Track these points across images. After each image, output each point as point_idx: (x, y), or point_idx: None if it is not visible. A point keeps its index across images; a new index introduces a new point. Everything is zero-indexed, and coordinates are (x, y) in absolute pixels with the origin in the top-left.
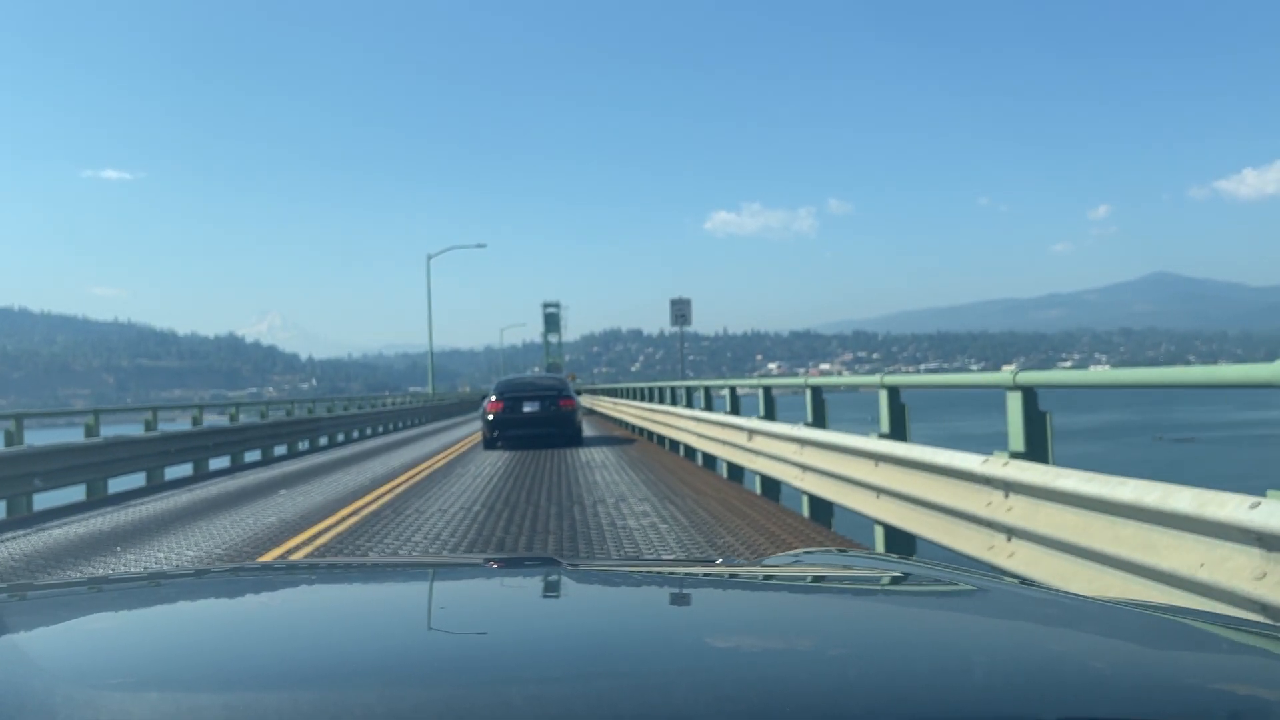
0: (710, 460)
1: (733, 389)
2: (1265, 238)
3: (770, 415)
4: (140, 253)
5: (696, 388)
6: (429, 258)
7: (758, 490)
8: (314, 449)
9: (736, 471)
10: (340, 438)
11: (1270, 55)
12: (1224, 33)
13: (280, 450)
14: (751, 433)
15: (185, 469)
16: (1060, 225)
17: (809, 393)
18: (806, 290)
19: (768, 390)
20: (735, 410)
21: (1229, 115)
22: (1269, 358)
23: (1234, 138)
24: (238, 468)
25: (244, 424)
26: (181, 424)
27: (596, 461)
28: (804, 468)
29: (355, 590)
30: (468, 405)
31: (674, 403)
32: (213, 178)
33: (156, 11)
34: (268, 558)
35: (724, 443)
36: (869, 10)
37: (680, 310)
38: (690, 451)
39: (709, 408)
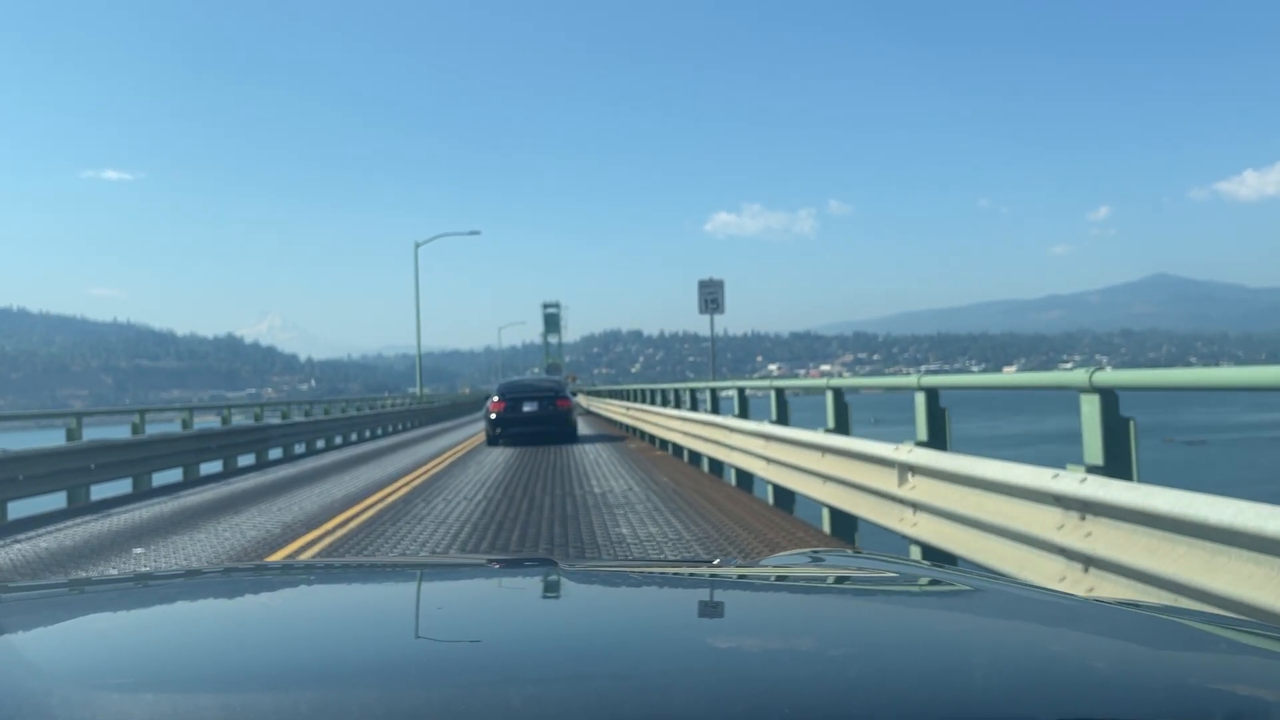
0: (784, 495)
1: (837, 393)
2: (1266, 239)
3: (940, 441)
4: (140, 253)
5: (759, 390)
6: (417, 245)
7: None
8: (259, 465)
9: (845, 523)
10: (299, 449)
11: (1271, 56)
12: (1225, 33)
13: (212, 468)
14: (906, 470)
15: (59, 499)
16: (1060, 226)
17: (1097, 400)
18: (807, 291)
19: (932, 396)
20: (843, 428)
21: (1230, 116)
22: (1271, 359)
23: (1235, 139)
24: (142, 495)
25: (151, 436)
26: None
27: (616, 496)
28: (1088, 561)
29: (353, 590)
30: (462, 407)
31: (714, 410)
32: (214, 178)
33: (158, 11)
34: None
35: (836, 481)
36: (869, 10)
37: (711, 294)
38: (741, 475)
39: (782, 420)
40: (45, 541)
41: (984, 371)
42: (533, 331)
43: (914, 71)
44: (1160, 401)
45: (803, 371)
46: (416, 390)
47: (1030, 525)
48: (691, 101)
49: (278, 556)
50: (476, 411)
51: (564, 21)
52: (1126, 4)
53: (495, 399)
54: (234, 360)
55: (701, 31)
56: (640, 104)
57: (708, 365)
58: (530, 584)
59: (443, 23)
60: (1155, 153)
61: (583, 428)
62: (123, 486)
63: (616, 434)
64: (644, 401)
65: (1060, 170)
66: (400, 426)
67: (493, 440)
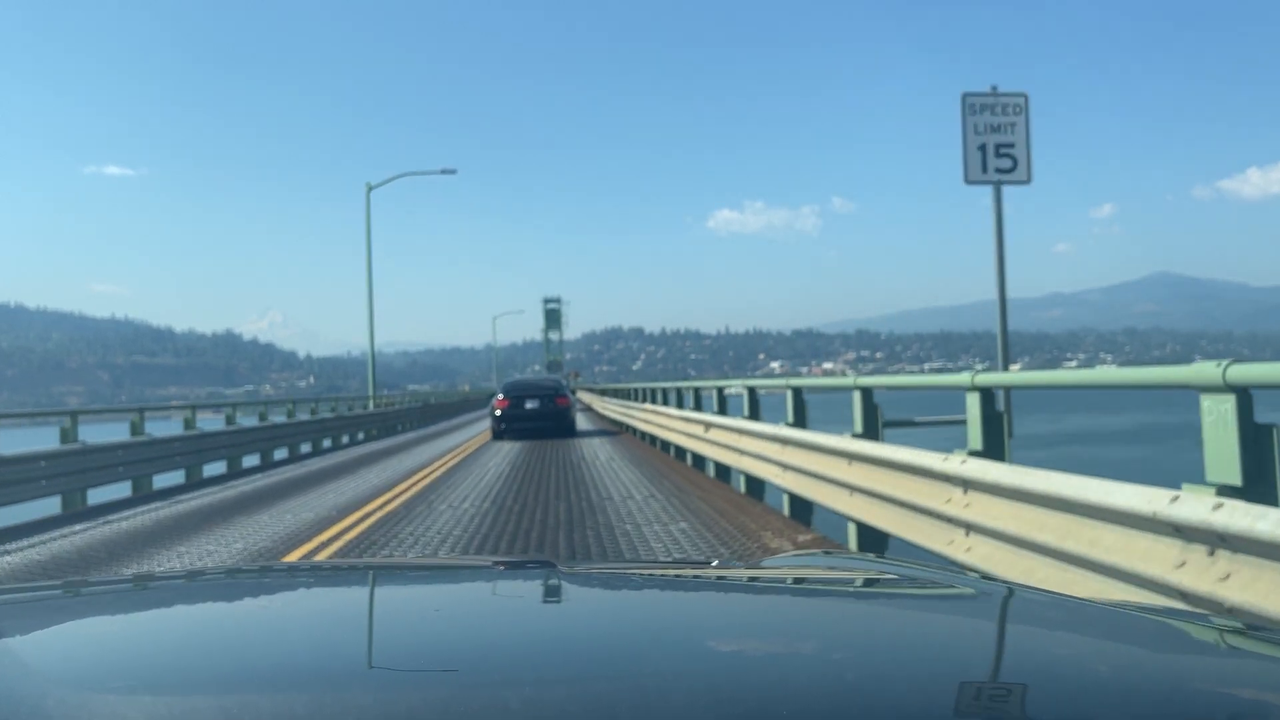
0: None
1: (865, 393)
2: (1270, 237)
3: (997, 451)
4: (142, 249)
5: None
6: (369, 188)
7: None
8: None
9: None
10: (178, 479)
11: (1275, 53)
12: (1228, 31)
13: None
14: (963, 485)
15: (54, 504)
16: (1062, 225)
17: (1232, 401)
18: (809, 289)
19: (988, 397)
20: (872, 433)
21: (1233, 114)
22: (1276, 358)
23: (1238, 136)
24: (142, 498)
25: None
26: None
27: None
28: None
29: (350, 592)
30: (437, 412)
31: (871, 433)
32: (218, 174)
33: (160, 6)
34: None
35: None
36: (872, 7)
37: (1000, 132)
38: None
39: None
40: (36, 552)
41: (988, 369)
42: (533, 328)
43: (917, 69)
44: (1178, 401)
45: (804, 370)
46: (416, 387)
47: (1134, 561)
48: (693, 98)
49: None
50: (462, 415)
51: (566, 16)
52: (1129, 2)
53: (500, 396)
54: (232, 357)
55: (704, 28)
56: (642, 100)
57: (710, 363)
58: (529, 586)
59: (446, 16)
60: (1158, 150)
61: (583, 423)
62: (122, 490)
63: (643, 452)
64: (686, 406)
65: (1063, 169)
66: (363, 432)
67: (498, 435)
